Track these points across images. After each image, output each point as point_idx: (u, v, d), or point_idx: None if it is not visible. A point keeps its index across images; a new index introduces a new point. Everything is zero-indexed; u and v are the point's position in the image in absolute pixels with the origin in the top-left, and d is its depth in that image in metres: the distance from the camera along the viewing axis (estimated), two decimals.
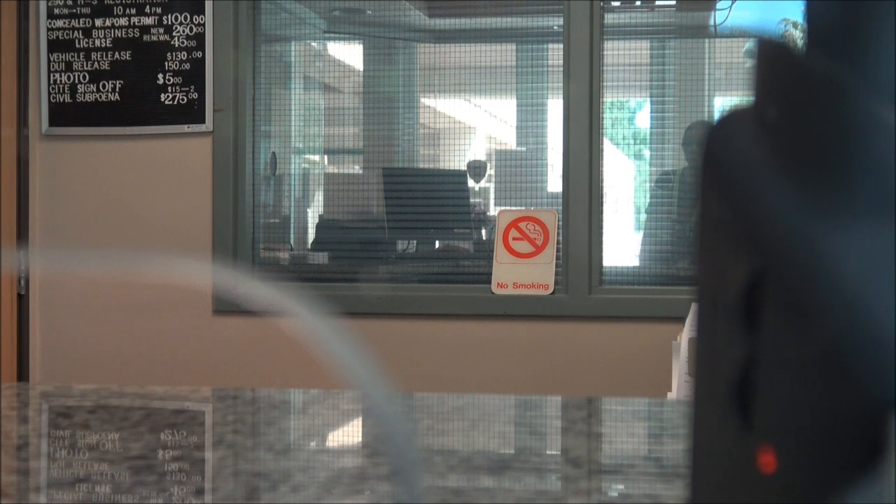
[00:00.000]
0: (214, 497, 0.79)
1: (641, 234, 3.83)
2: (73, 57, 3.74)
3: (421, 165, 4.10)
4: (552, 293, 3.51)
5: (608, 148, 3.64)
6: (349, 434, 1.15)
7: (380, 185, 3.89)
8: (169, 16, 3.68)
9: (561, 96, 3.58)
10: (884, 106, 0.29)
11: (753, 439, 0.31)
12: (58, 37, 3.76)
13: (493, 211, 3.88)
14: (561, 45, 3.58)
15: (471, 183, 3.99)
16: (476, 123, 4.33)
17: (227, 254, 3.66)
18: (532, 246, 3.56)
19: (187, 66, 3.67)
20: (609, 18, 3.67)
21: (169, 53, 3.68)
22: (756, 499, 0.31)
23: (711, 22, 3.81)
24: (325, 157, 4.25)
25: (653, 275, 3.59)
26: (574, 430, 1.10)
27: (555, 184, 3.72)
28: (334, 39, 4.15)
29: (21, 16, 3.78)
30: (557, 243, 3.56)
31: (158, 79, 3.69)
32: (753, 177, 0.31)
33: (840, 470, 0.28)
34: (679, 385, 2.29)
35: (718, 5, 3.74)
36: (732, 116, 0.33)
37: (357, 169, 4.20)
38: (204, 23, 3.66)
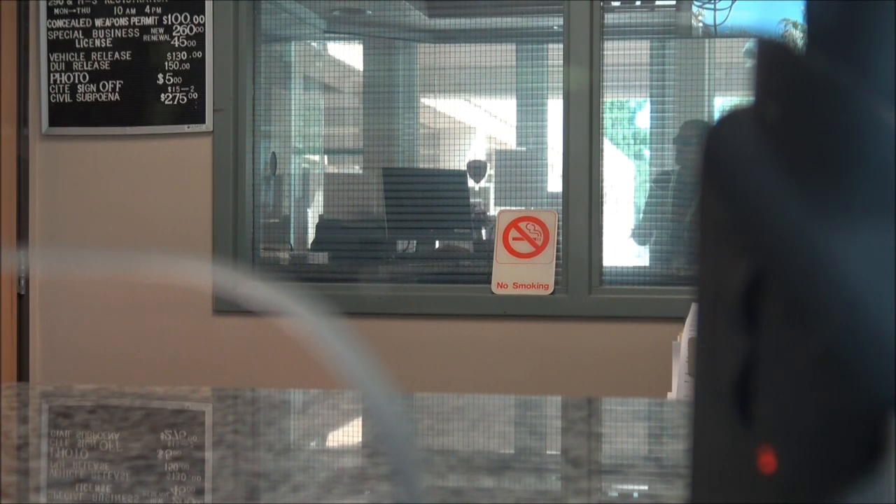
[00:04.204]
0: (214, 497, 0.79)
1: (641, 234, 3.83)
2: (73, 57, 3.74)
3: (421, 165, 4.10)
4: (552, 293, 3.51)
5: (608, 148, 3.64)
6: (349, 434, 1.15)
7: (380, 185, 3.89)
8: (169, 16, 3.68)
9: (561, 96, 3.58)
10: (884, 106, 0.29)
11: (753, 439, 0.31)
12: (58, 37, 3.76)
13: (493, 211, 3.88)
14: (561, 45, 3.58)
15: (471, 183, 3.99)
16: (476, 123, 4.33)
17: (227, 254, 3.66)
18: (532, 246, 3.56)
19: (187, 66, 3.67)
20: (609, 18, 3.67)
21: (169, 53, 3.68)
22: (756, 499, 0.31)
23: (710, 21, 3.81)
24: (325, 157, 4.25)
25: (653, 275, 3.59)
26: (574, 430, 1.10)
27: (555, 184, 3.72)
28: (334, 39, 4.15)
29: (21, 16, 3.78)
30: (557, 243, 3.56)
31: (158, 79, 3.69)
32: (753, 177, 0.31)
33: (840, 470, 0.28)
34: (679, 385, 2.29)
35: (719, 5, 3.75)
36: (732, 116, 0.33)
37: (357, 169, 4.20)
38: (204, 23, 3.66)
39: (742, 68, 3.74)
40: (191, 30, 3.67)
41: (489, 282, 3.56)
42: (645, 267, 3.68)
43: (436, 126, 4.13)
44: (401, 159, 4.01)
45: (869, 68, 0.30)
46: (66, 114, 3.75)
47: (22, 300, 3.77)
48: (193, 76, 3.66)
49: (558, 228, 3.57)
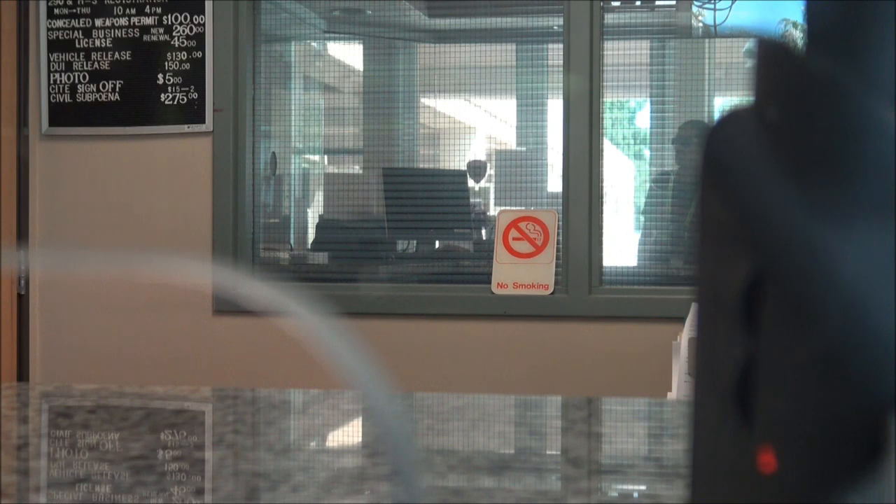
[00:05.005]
0: (214, 497, 0.79)
1: (641, 234, 3.83)
2: (73, 57, 3.74)
3: (421, 165, 4.10)
4: (552, 293, 3.51)
5: (608, 148, 3.64)
6: (349, 434, 1.15)
7: (380, 185, 3.89)
8: (169, 16, 3.68)
9: (561, 96, 3.58)
10: (884, 106, 0.29)
11: (753, 439, 0.31)
12: (58, 37, 3.76)
13: (493, 211, 3.88)
14: (561, 45, 3.58)
15: (471, 183, 3.99)
16: (476, 123, 4.33)
17: (227, 254, 3.66)
18: (532, 246, 3.56)
19: (187, 66, 3.67)
20: (609, 18, 3.67)
21: (169, 53, 3.68)
22: (756, 499, 0.31)
23: (710, 21, 3.81)
24: (325, 157, 4.25)
25: (653, 275, 3.59)
26: (574, 430, 1.10)
27: (555, 184, 3.72)
28: (334, 39, 4.15)
29: (21, 16, 3.78)
30: (557, 243, 3.56)
31: (158, 79, 3.69)
32: (753, 177, 0.31)
33: (840, 470, 0.28)
34: (679, 385, 2.30)
35: (718, 5, 3.75)
36: (732, 116, 0.33)
37: (357, 169, 4.20)
38: (204, 23, 3.66)
39: (742, 68, 3.74)
40: (191, 30, 3.67)
41: (489, 282, 3.56)
42: (645, 267, 3.68)
43: (436, 126, 4.13)
44: (401, 159, 4.01)
45: (869, 68, 0.30)
46: (66, 114, 3.75)
47: (22, 300, 3.77)
48: (193, 76, 3.66)
49: (558, 228, 3.57)
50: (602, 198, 3.52)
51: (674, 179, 3.69)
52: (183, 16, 3.67)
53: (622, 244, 3.83)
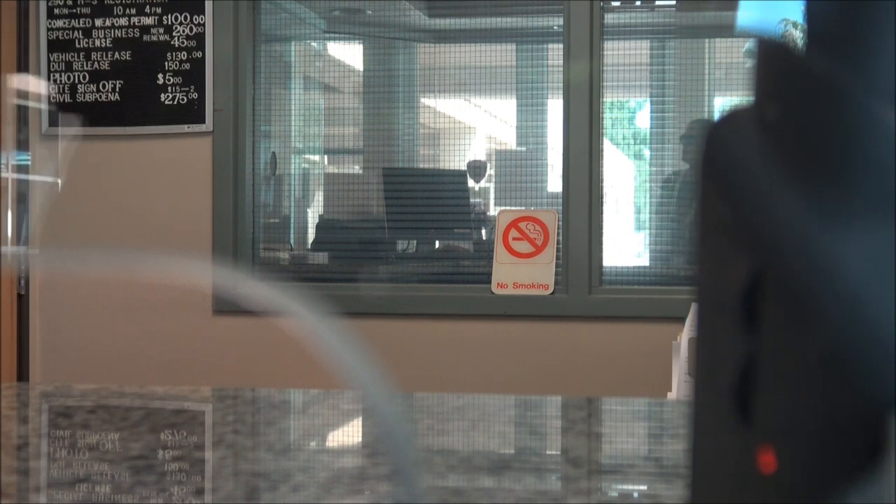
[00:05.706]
0: (214, 497, 0.79)
1: (642, 234, 3.83)
2: (73, 57, 3.74)
3: (421, 165, 4.10)
4: (552, 293, 3.51)
5: (608, 148, 3.64)
6: (349, 434, 1.15)
7: (380, 185, 3.89)
8: (169, 16, 3.68)
9: (561, 96, 3.58)
10: (884, 106, 0.29)
11: (753, 439, 0.31)
12: (58, 37, 3.76)
13: (493, 211, 3.88)
14: (561, 45, 3.58)
15: (471, 183, 3.99)
16: (476, 123, 4.33)
17: (227, 254, 3.66)
18: (532, 246, 3.56)
19: (187, 66, 3.67)
20: (609, 18, 3.67)
21: (169, 53, 3.68)
22: (756, 499, 0.31)
23: (719, 23, 3.81)
24: (325, 157, 4.26)
25: (653, 275, 3.59)
26: (574, 430, 1.10)
27: (555, 184, 3.72)
28: (334, 39, 4.15)
29: (21, 16, 3.78)
30: (557, 243, 3.56)
31: (158, 79, 3.69)
32: (753, 177, 0.31)
33: (840, 470, 0.28)
34: (679, 385, 2.30)
35: (720, 5, 3.74)
36: (732, 116, 0.33)
37: (357, 169, 4.20)
38: (204, 23, 3.66)
39: (742, 68, 3.74)
40: (191, 30, 3.67)
41: (489, 282, 3.56)
42: (645, 267, 3.68)
43: (436, 126, 4.13)
44: (401, 159, 4.01)
45: (869, 68, 0.30)
46: (66, 114, 3.75)
47: (22, 300, 3.77)
48: (193, 76, 3.66)
49: (558, 228, 3.57)
50: (602, 198, 3.52)
51: (680, 178, 3.69)
52: (183, 16, 3.67)
53: (622, 244, 3.83)
